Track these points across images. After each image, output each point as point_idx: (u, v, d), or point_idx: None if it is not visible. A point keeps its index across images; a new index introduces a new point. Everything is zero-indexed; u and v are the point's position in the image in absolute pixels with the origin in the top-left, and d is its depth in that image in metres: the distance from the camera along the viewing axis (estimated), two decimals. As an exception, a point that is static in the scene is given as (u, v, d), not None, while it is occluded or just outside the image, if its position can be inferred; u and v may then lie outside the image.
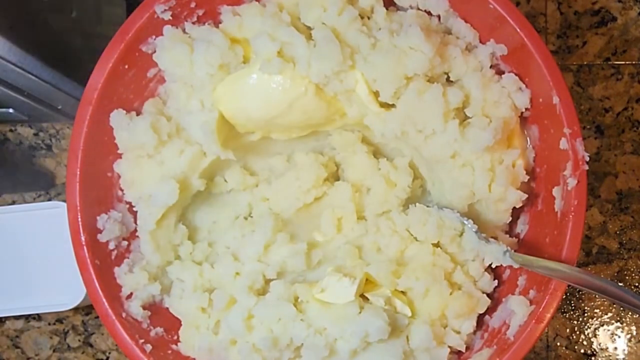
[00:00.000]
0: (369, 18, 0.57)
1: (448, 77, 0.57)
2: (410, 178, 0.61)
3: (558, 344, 0.76)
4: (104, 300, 0.57)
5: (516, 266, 0.55)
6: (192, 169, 0.59)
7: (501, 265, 0.56)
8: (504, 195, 0.56)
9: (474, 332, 0.58)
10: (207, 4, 0.57)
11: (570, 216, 0.53)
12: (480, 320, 0.58)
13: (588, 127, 0.79)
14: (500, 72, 0.57)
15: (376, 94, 0.55)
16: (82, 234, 0.57)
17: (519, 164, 0.57)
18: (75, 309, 0.71)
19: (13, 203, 0.77)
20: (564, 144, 0.54)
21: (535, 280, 0.55)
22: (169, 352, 0.59)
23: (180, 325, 0.60)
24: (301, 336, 0.55)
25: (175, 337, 0.60)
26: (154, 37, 0.57)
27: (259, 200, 0.64)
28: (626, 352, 0.77)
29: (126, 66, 0.57)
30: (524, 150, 0.58)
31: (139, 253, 0.60)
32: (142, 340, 0.57)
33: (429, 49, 0.53)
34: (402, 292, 0.58)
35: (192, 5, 0.57)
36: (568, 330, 0.76)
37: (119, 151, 0.59)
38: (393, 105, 0.56)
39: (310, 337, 0.55)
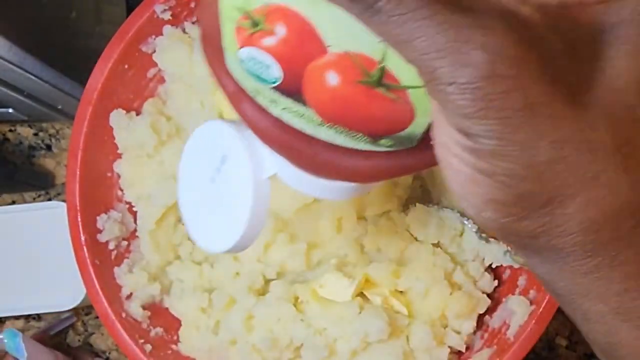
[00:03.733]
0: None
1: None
2: (410, 178, 0.61)
3: (558, 344, 0.76)
4: (104, 300, 0.56)
5: (516, 266, 0.55)
6: (192, 169, 0.59)
7: (501, 265, 0.56)
8: (504, 195, 0.56)
9: (474, 332, 0.58)
10: (207, 3, 0.57)
11: (571, 216, 0.53)
12: (480, 320, 0.58)
13: (588, 127, 0.79)
14: (500, 72, 0.57)
15: (376, 94, 0.55)
16: (81, 234, 0.57)
17: (519, 164, 0.57)
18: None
19: (13, 203, 0.77)
20: (564, 143, 0.54)
21: (536, 280, 0.55)
22: (169, 352, 0.59)
23: (180, 325, 0.60)
24: (301, 336, 0.55)
25: (175, 337, 0.60)
26: (153, 36, 0.57)
27: (258, 200, 0.63)
28: (626, 352, 0.77)
29: (126, 66, 0.57)
30: (524, 150, 0.57)
31: (139, 253, 0.60)
32: (142, 341, 0.57)
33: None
34: (401, 292, 0.58)
35: (192, 5, 0.57)
36: (568, 330, 0.76)
37: (118, 151, 0.59)
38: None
39: (310, 338, 0.55)
